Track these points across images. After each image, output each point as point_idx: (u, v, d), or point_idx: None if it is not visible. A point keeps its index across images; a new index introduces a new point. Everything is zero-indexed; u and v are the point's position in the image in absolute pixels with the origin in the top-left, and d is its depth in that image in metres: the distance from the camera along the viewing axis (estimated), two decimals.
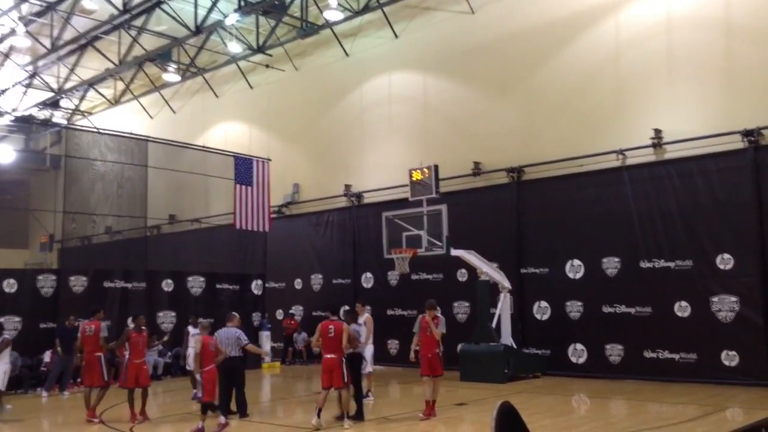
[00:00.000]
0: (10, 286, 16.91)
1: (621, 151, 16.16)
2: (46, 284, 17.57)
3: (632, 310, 15.84)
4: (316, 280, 22.84)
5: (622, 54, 16.61)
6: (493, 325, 16.17)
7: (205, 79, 26.87)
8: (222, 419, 10.43)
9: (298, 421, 11.50)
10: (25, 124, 29.91)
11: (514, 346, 16.41)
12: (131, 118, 29.39)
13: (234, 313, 12.71)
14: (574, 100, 17.29)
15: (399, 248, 16.03)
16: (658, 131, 15.74)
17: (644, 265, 15.75)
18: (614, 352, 16.04)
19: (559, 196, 17.23)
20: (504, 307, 16.48)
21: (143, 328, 11.93)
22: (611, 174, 16.39)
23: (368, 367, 12.99)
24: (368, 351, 13.02)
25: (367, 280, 21.41)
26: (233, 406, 11.80)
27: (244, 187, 20.54)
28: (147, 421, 11.28)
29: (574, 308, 16.82)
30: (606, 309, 16.23)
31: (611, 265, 16.29)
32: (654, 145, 15.80)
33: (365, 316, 13.16)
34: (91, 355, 11.82)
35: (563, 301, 16.95)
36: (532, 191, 17.84)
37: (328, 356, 10.53)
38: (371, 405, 12.64)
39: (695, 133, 15.04)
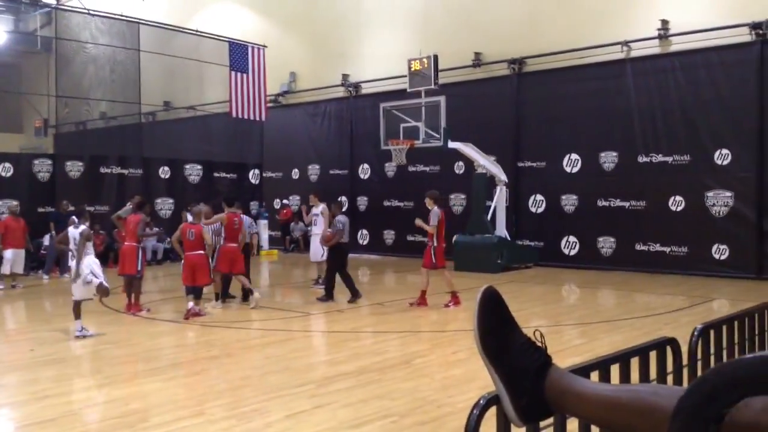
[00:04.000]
0: (6, 170, 16.93)
1: (625, 43, 15.76)
2: (42, 169, 17.59)
3: (626, 204, 15.98)
4: (313, 171, 22.86)
5: None
6: (489, 217, 16.34)
7: None
8: (191, 305, 10.39)
9: (295, 305, 11.84)
10: (13, 4, 28.88)
11: (508, 237, 16.65)
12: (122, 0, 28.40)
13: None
14: None
15: (396, 139, 15.95)
16: (665, 22, 15.30)
17: (642, 159, 15.74)
18: (606, 244, 16.32)
19: (559, 88, 16.94)
20: (500, 199, 16.60)
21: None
22: (614, 66, 16.06)
23: (317, 256, 13.47)
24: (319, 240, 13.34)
25: (364, 171, 21.42)
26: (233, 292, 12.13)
27: (239, 74, 20.15)
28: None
29: (569, 202, 16.95)
30: (601, 203, 16.36)
31: (609, 159, 16.28)
32: (660, 37, 15.40)
33: (321, 207, 13.42)
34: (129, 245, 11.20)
35: (559, 194, 17.06)
36: (532, 83, 17.53)
37: None
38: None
39: (703, 24, 14.62)
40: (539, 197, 17.53)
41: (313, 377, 7.01)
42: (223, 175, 21.24)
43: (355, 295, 11.73)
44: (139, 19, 19.96)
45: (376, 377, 7.00)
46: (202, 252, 10.73)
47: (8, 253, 14.04)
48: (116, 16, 19.95)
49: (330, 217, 12.58)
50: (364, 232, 21.28)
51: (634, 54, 15.85)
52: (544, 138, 17.25)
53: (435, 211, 11.16)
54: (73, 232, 9.26)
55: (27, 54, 29.15)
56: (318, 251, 13.33)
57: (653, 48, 15.60)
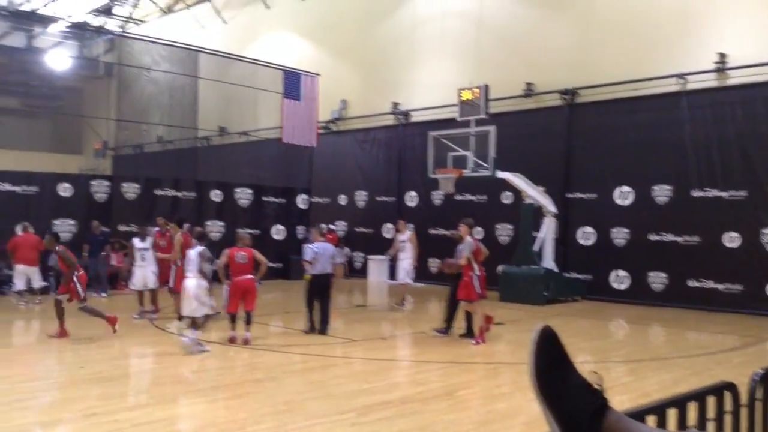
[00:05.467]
0: (65, 190, 17.47)
1: (681, 75, 15.51)
2: (100, 190, 18.09)
3: (680, 239, 15.59)
4: (361, 197, 22.97)
5: None
6: (536, 248, 16.14)
7: None
8: (248, 335, 10.38)
9: (337, 330, 11.83)
10: (78, 31, 30.06)
11: (556, 269, 16.40)
12: (183, 28, 29.29)
13: (323, 225, 13.01)
14: (635, 19, 16.53)
15: (444, 168, 15.95)
16: (722, 55, 15.02)
17: (696, 193, 15.38)
18: (657, 279, 15.92)
19: (612, 120, 16.74)
20: (548, 231, 16.39)
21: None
22: (669, 99, 15.80)
23: (406, 278, 14.39)
24: (407, 264, 13.98)
25: (411, 198, 21.44)
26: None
27: (292, 101, 20.48)
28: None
29: (620, 235, 16.62)
30: (653, 237, 16.00)
31: (662, 192, 15.95)
32: (717, 70, 15.12)
33: (408, 234, 14.08)
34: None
35: (609, 227, 16.76)
36: (585, 114, 17.36)
37: None
38: (404, 314, 13.69)
39: (761, 58, 14.30)
40: (588, 229, 17.25)
41: (355, 405, 6.97)
42: (272, 199, 21.52)
43: (447, 330, 11.18)
44: (199, 47, 20.52)
45: (418, 408, 6.93)
46: (252, 276, 10.73)
47: (20, 269, 14.45)
48: (176, 44, 20.56)
49: (463, 233, 11.24)
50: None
51: (690, 87, 15.57)
52: (595, 169, 17.01)
53: (468, 242, 10.83)
54: (191, 252, 9.62)
55: (90, 78, 30.23)
56: (404, 274, 14.36)
57: (710, 81, 15.32)
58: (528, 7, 18.80)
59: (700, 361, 9.53)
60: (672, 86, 15.72)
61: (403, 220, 15.73)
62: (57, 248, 10.85)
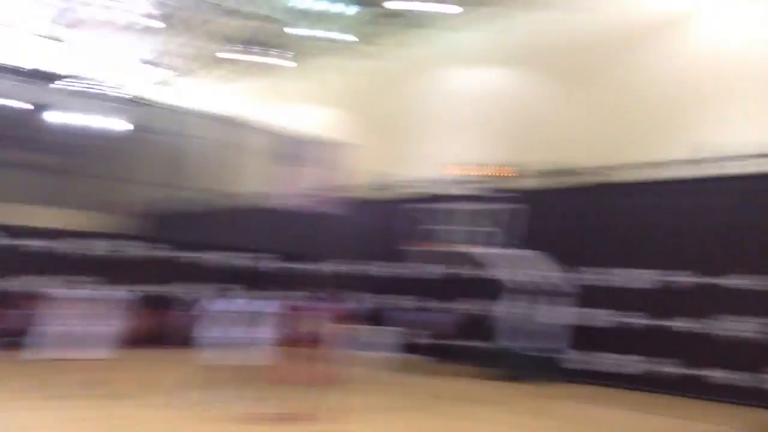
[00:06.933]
0: (100, 248, 17.93)
1: (699, 161, 15.41)
2: (131, 249, 18.48)
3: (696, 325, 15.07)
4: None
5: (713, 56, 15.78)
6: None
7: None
8: None
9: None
10: (102, 99, 30.60)
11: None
12: (207, 93, 29.79)
13: None
14: (651, 102, 16.59)
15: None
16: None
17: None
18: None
19: (630, 201, 16.50)
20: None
21: None
22: (688, 183, 15.65)
23: None
24: None
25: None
26: None
27: (306, 168, 20.74)
28: None
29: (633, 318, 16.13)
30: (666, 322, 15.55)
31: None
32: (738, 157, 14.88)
33: None
34: None
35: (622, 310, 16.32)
36: (605, 196, 17.10)
37: None
38: None
39: None
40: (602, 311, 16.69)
41: None
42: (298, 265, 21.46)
43: None
44: (214, 113, 20.92)
45: None
46: None
47: None
48: (196, 111, 21.14)
49: None
50: None
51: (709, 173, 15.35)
52: (617, 250, 16.70)
53: None
54: None
55: (117, 139, 30.61)
56: None
57: (732, 168, 14.98)
58: (544, 88, 18.91)
59: None
60: (692, 171, 15.55)
61: None
62: None
